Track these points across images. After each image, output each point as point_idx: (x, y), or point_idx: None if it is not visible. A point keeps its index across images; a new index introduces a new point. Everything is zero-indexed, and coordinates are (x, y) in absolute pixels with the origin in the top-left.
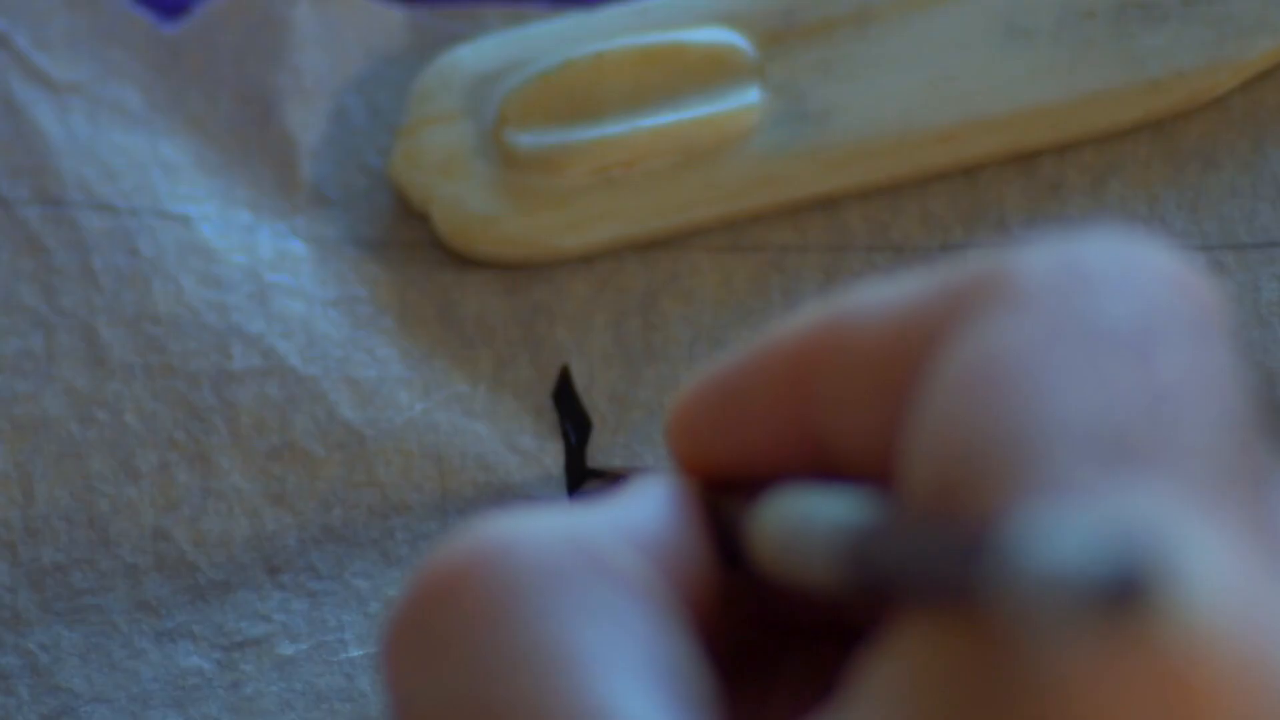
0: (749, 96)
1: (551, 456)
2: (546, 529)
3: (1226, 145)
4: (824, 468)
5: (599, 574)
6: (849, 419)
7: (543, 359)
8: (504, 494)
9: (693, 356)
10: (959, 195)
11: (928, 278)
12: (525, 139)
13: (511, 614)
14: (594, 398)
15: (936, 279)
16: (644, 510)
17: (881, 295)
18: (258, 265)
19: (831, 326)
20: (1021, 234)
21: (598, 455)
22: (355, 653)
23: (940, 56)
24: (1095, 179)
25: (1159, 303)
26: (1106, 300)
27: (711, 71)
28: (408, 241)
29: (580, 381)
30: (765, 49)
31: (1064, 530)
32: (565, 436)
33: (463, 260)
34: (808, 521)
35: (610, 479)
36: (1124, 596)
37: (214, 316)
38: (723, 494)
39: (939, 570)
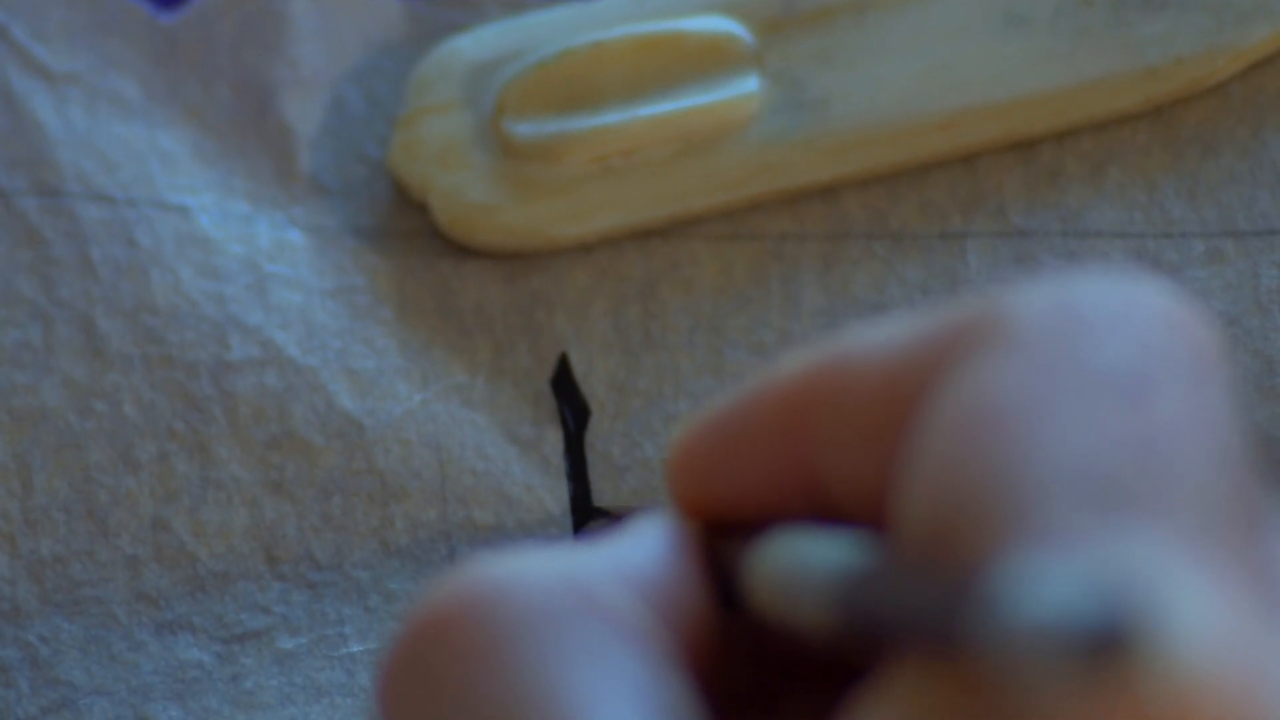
0: (748, 85)
1: (550, 444)
2: (541, 570)
3: (1226, 132)
4: (823, 509)
5: (593, 615)
6: (846, 461)
7: (542, 347)
8: (503, 482)
9: (692, 345)
10: (958, 183)
11: (923, 319)
12: (524, 128)
13: (505, 655)
14: (593, 385)
15: (932, 321)
16: (641, 551)
17: (877, 337)
18: (256, 256)
19: (827, 369)
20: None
21: (596, 442)
22: (355, 648)
23: (939, 44)
24: (1094, 166)
25: (1154, 345)
26: (1100, 343)
27: (710, 60)
28: (406, 231)
29: (579, 369)
30: (764, 37)
31: (1052, 578)
32: (564, 423)
33: (461, 249)
34: (802, 565)
35: (615, 518)
36: (1111, 644)
37: (212, 307)
38: (722, 535)
39: (929, 616)
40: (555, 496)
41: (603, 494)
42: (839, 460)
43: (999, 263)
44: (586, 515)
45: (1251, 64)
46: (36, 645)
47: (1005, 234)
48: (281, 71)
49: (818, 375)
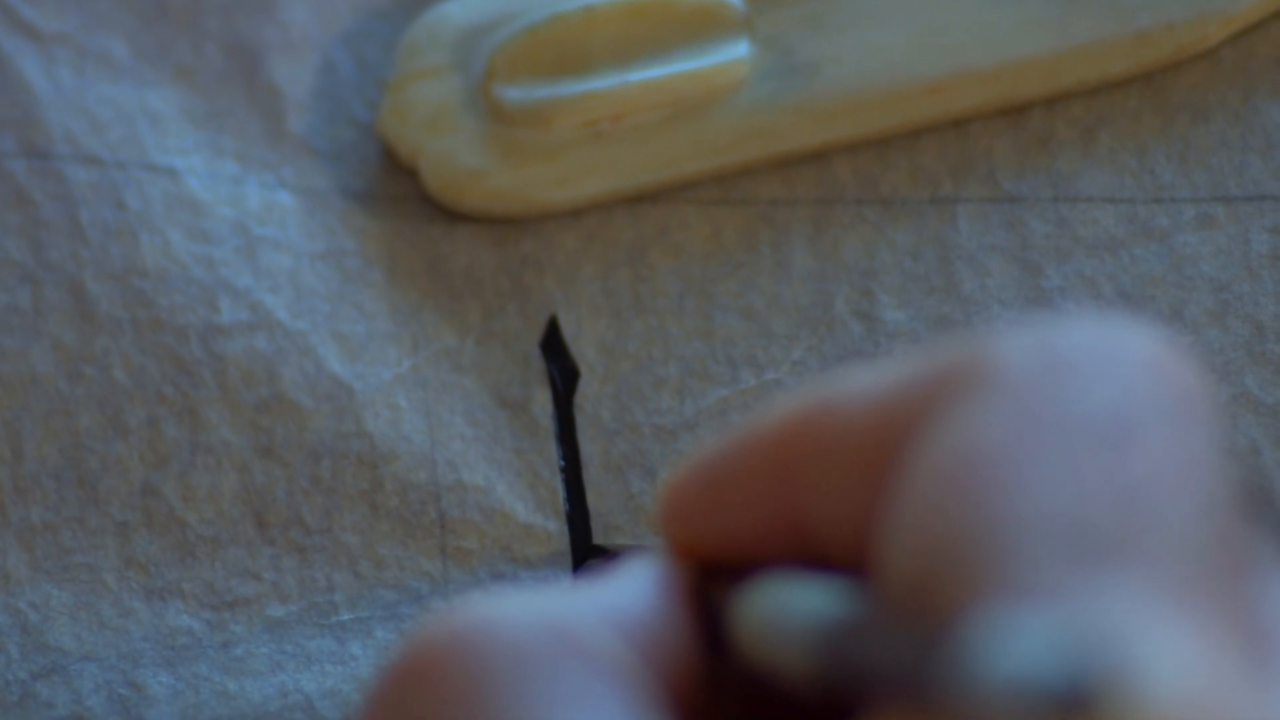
0: (738, 50)
1: (539, 405)
2: (523, 612)
3: (1216, 97)
4: (811, 554)
5: (574, 658)
6: (832, 506)
7: (531, 310)
8: (492, 447)
9: (681, 309)
10: (948, 148)
11: (909, 364)
12: (514, 93)
13: (485, 698)
14: (582, 349)
15: (917, 366)
16: (628, 593)
17: (863, 383)
18: (245, 218)
19: (814, 414)
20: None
21: (585, 405)
22: (345, 616)
23: (929, 9)
24: (1084, 131)
25: (1136, 392)
26: (1083, 390)
27: (700, 25)
28: (396, 195)
29: (568, 332)
30: (754, 2)
31: (1024, 632)
32: (552, 384)
33: (451, 214)
34: (786, 611)
35: (613, 555)
36: (1080, 701)
37: (202, 270)
38: (712, 578)
39: (906, 668)
40: (545, 459)
41: (591, 458)
42: (826, 505)
43: (990, 228)
44: (586, 553)
45: (1242, 29)
46: (26, 611)
47: (996, 199)
48: (271, 34)
49: (804, 420)
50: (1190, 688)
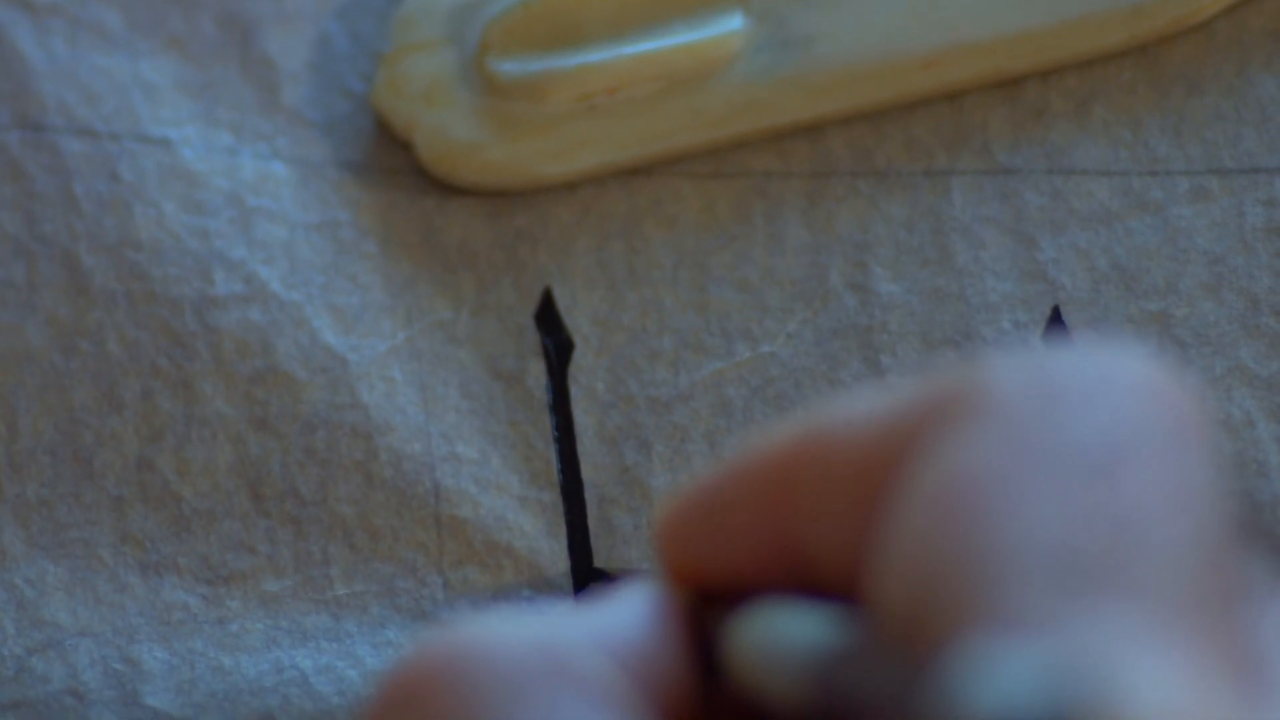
0: (732, 23)
1: (534, 377)
2: (515, 635)
3: (1211, 69)
4: (806, 581)
5: (565, 682)
6: (827, 534)
7: (525, 283)
8: (487, 419)
9: (675, 281)
10: (943, 121)
11: (904, 390)
12: (508, 66)
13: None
14: (576, 321)
15: (910, 393)
16: (622, 617)
17: (858, 409)
18: (240, 189)
19: (809, 440)
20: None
21: (580, 376)
22: (341, 590)
23: None
24: (1079, 103)
25: (1130, 420)
26: (1075, 418)
27: None
28: (390, 167)
29: (563, 304)
30: None
31: (1010, 662)
32: (547, 356)
33: (445, 187)
34: (779, 639)
35: (613, 579)
36: None
37: (196, 242)
38: (708, 604)
39: (895, 697)
40: (539, 431)
41: (585, 430)
42: (820, 532)
43: (984, 200)
44: (587, 576)
45: (1236, 2)
46: (22, 587)
47: (990, 172)
48: (265, 6)
49: (799, 447)
50: (1176, 714)
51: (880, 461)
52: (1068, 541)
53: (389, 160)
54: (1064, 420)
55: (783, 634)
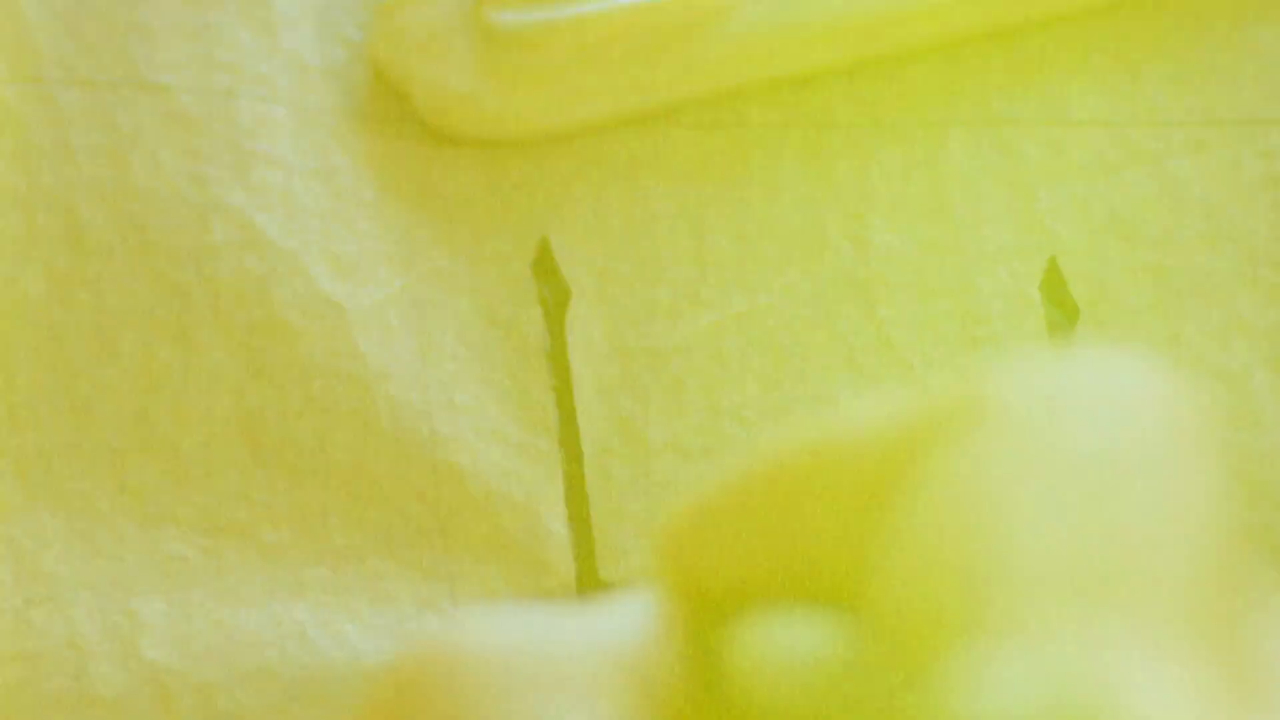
0: None
1: (530, 324)
2: (510, 637)
3: (1209, 21)
4: (809, 589)
5: (559, 686)
6: (828, 542)
7: (523, 233)
8: (484, 367)
9: (673, 231)
10: (941, 71)
11: (909, 397)
12: (506, 16)
13: None
14: (573, 271)
15: (915, 401)
16: (621, 624)
17: (861, 416)
18: (237, 134)
19: (811, 449)
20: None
21: (577, 325)
22: (339, 540)
23: None
24: (1077, 55)
25: (1136, 429)
26: (1082, 428)
27: None
28: (388, 116)
29: (560, 253)
30: None
31: (1007, 677)
32: (543, 304)
33: (443, 136)
34: (780, 650)
35: (612, 587)
36: None
37: (193, 190)
38: (708, 613)
39: (894, 707)
40: (536, 379)
41: (582, 379)
42: (821, 541)
43: (981, 151)
44: (591, 587)
45: None
46: (20, 539)
47: (988, 122)
48: None
49: (801, 455)
50: None
51: (883, 469)
52: (1070, 553)
53: (386, 109)
54: (1069, 429)
55: (784, 644)
